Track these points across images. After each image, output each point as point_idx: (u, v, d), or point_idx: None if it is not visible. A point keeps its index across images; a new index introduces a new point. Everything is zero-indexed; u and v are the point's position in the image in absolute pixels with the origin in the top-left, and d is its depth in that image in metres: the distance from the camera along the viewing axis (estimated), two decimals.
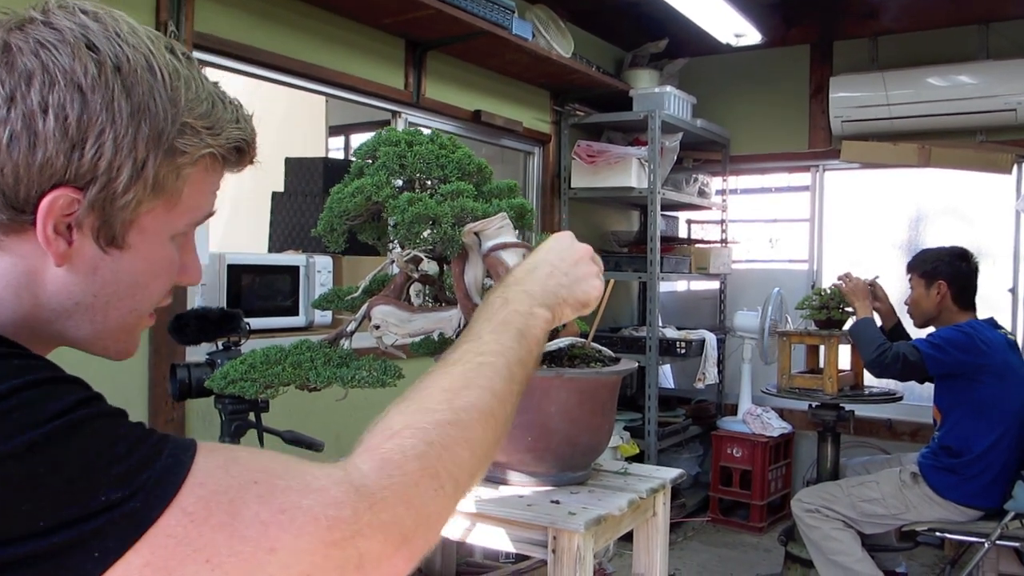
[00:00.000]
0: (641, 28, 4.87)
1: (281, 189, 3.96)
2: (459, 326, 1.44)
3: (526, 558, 2.17)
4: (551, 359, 1.54)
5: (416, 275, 1.47)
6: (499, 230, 1.41)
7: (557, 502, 1.49)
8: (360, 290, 1.52)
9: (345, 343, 1.43)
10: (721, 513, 4.75)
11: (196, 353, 2.68)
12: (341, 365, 1.31)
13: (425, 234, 1.36)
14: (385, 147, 1.41)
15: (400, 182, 1.44)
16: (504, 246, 1.40)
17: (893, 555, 3.52)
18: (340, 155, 5.55)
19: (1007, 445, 2.97)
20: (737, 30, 4.37)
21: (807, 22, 4.96)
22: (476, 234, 1.41)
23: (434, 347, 1.59)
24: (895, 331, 3.46)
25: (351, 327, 1.46)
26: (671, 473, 1.76)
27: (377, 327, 1.43)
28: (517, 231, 1.53)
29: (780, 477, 4.82)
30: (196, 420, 2.79)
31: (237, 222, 4.62)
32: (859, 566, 3.04)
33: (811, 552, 3.19)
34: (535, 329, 0.95)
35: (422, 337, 1.51)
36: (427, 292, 1.57)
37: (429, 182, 1.45)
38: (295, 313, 3.11)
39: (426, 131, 1.54)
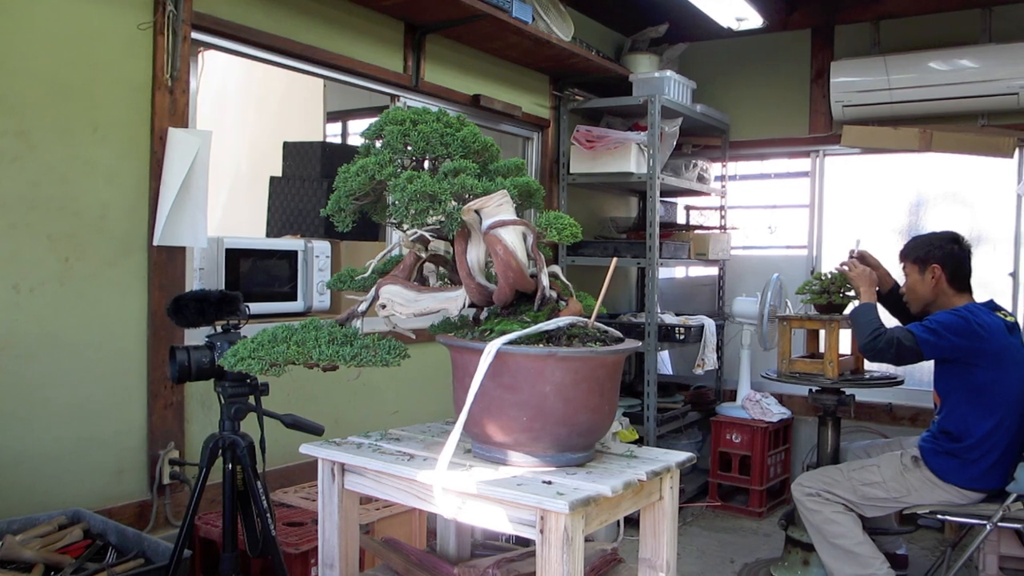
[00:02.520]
0: (641, 12, 4.83)
1: (279, 174, 3.93)
2: (464, 305, 1.42)
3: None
4: (548, 338, 1.51)
5: (425, 255, 1.45)
6: (499, 207, 1.38)
7: (549, 482, 1.45)
8: (371, 270, 1.50)
9: (356, 323, 1.42)
10: (720, 498, 4.76)
11: (195, 337, 2.66)
12: (344, 344, 1.30)
13: (427, 212, 1.34)
14: (391, 126, 1.39)
15: (404, 161, 1.42)
16: (502, 223, 1.38)
17: (894, 538, 3.53)
18: (338, 141, 5.52)
19: (1007, 429, 2.96)
20: (738, 14, 4.34)
21: (809, 6, 4.93)
22: (477, 212, 1.39)
23: (450, 326, 1.56)
24: (893, 293, 3.43)
25: (362, 307, 1.44)
26: (678, 456, 1.69)
27: (384, 306, 1.41)
28: (531, 210, 1.51)
29: (779, 462, 4.83)
30: (195, 404, 2.77)
31: (235, 206, 4.60)
32: (860, 549, 3.04)
33: (812, 535, 3.19)
34: None
35: (424, 316, 1.49)
36: (439, 272, 1.55)
37: (434, 161, 1.43)
38: (293, 298, 3.09)
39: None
